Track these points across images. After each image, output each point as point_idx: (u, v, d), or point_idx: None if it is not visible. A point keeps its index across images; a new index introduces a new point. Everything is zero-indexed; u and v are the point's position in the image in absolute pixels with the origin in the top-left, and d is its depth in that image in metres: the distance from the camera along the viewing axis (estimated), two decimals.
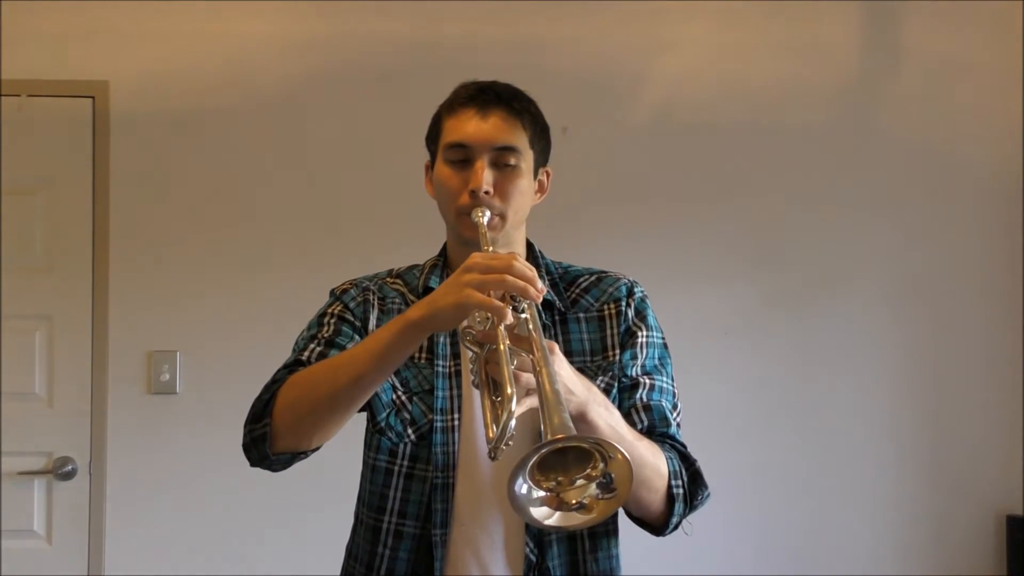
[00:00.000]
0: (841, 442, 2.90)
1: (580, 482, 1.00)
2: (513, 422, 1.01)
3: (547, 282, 1.40)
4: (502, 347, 1.07)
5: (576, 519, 1.00)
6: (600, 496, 0.99)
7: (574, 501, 1.00)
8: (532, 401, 1.07)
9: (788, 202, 2.94)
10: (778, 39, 2.97)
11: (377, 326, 1.36)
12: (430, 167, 1.41)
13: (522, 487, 0.97)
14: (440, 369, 1.34)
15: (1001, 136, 2.97)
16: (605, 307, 1.40)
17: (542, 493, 0.99)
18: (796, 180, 2.95)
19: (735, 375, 2.90)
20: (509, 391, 1.02)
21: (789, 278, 2.93)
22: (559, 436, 0.95)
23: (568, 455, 0.99)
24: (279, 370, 1.31)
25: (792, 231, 2.94)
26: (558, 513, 0.99)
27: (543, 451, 0.95)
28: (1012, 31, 2.96)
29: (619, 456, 0.96)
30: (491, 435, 1.04)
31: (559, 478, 0.99)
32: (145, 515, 2.78)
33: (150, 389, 2.81)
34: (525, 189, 1.35)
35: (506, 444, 1.01)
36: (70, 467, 2.77)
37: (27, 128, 2.82)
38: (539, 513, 0.99)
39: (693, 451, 1.34)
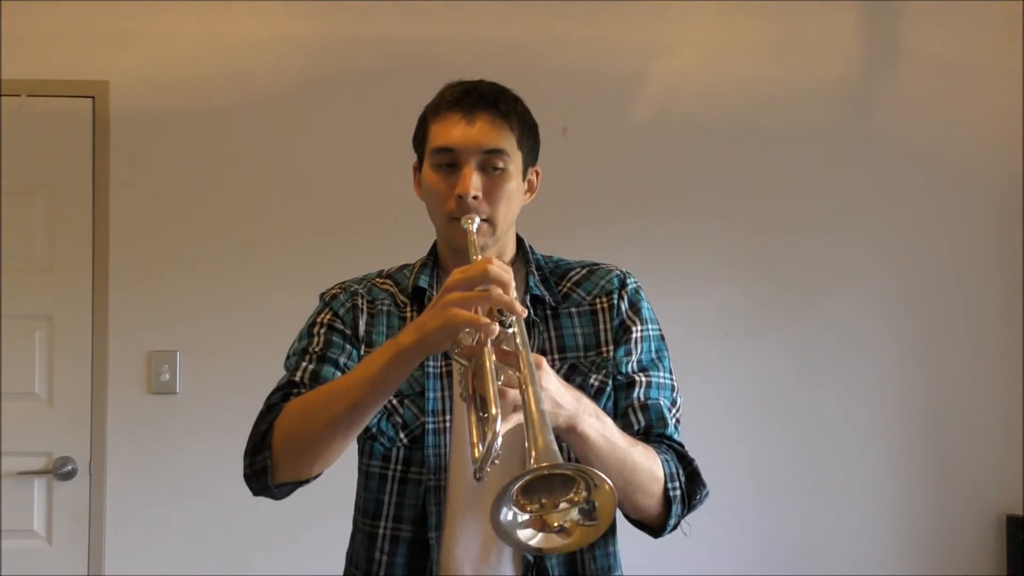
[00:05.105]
0: (842, 442, 2.90)
1: (563, 505, 0.99)
2: (499, 442, 0.99)
3: (538, 277, 1.39)
4: (488, 364, 1.06)
5: (556, 542, 0.99)
6: (581, 522, 0.98)
7: (556, 524, 0.99)
8: (519, 417, 1.05)
9: (787, 202, 2.94)
10: (778, 39, 2.97)
11: (367, 330, 1.36)
12: (418, 168, 1.39)
13: (507, 515, 0.96)
14: (431, 370, 1.32)
15: (1001, 137, 2.96)
16: (597, 300, 1.38)
17: (526, 516, 0.98)
18: (795, 180, 2.95)
19: (734, 376, 2.90)
20: (494, 411, 1.01)
21: (788, 278, 2.93)
22: (543, 464, 0.94)
23: (553, 478, 0.98)
24: (272, 393, 1.30)
25: (791, 231, 2.93)
26: (540, 535, 0.98)
27: (525, 479, 0.94)
28: (1012, 32, 2.95)
29: (605, 487, 0.95)
30: (476, 455, 1.02)
31: (543, 500, 0.98)
32: (145, 515, 2.78)
33: (150, 389, 2.81)
34: (514, 192, 1.33)
35: (492, 464, 1.00)
36: (70, 467, 2.77)
37: (27, 128, 2.82)
38: (523, 535, 0.98)
39: (691, 452, 1.33)
